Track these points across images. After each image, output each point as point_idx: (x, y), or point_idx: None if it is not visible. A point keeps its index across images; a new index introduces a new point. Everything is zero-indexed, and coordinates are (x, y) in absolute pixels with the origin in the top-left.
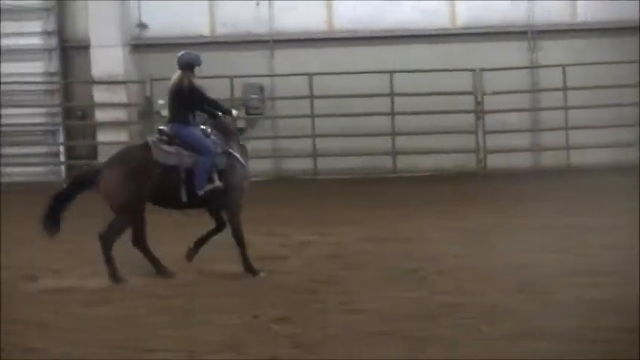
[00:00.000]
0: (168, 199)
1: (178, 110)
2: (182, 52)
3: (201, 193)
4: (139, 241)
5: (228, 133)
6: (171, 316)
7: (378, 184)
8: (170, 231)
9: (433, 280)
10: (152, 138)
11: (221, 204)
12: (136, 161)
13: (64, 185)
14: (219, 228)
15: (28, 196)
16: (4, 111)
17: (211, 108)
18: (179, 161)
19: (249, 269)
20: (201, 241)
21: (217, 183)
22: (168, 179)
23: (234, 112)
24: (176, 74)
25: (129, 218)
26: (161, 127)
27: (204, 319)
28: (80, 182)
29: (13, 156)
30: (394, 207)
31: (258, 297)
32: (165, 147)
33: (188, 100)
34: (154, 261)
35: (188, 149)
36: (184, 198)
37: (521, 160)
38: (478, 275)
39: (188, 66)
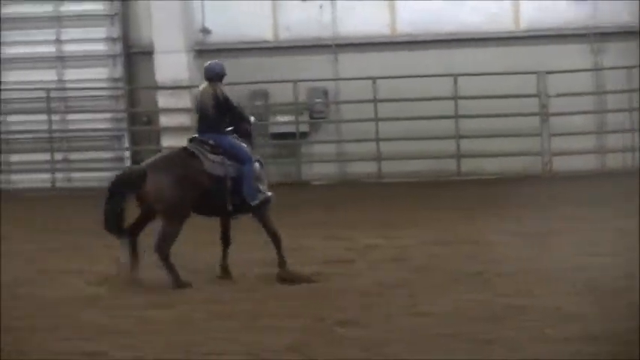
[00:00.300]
0: (213, 208)
1: (214, 120)
2: (210, 63)
3: (256, 203)
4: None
5: (250, 140)
6: (235, 320)
7: (442, 187)
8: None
9: (497, 283)
10: (195, 147)
11: (258, 211)
12: (186, 168)
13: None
14: (227, 242)
15: (94, 201)
16: (70, 116)
17: (238, 117)
18: (225, 171)
19: (284, 265)
20: (224, 264)
21: (268, 193)
22: (216, 189)
23: (252, 118)
24: (206, 84)
25: (178, 223)
26: (199, 137)
27: (268, 323)
28: (123, 184)
29: (79, 161)
30: (459, 210)
31: (324, 300)
32: (212, 156)
33: (224, 110)
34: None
35: (231, 159)
36: (230, 207)
37: (587, 163)
38: (542, 278)
39: (219, 77)
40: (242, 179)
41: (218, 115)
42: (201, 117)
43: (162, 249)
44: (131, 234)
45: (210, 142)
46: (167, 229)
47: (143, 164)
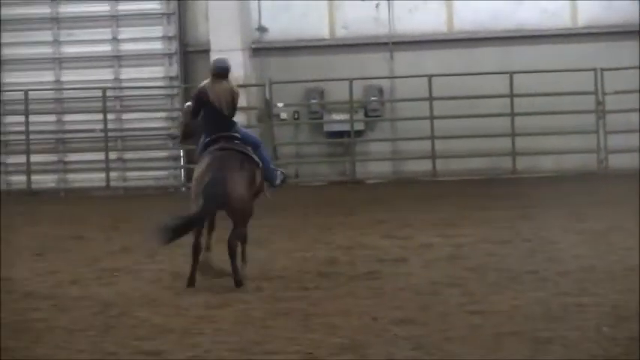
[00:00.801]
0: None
1: (231, 115)
2: (220, 59)
3: (278, 183)
4: (200, 246)
5: None
6: (291, 318)
7: (497, 186)
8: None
9: (554, 281)
10: (235, 144)
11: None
12: (246, 167)
13: (201, 210)
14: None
15: (149, 200)
16: (125, 115)
17: None
18: (257, 160)
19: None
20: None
21: (282, 169)
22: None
23: None
24: (214, 81)
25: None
26: (226, 134)
27: (323, 322)
28: (216, 205)
29: (134, 160)
30: (514, 208)
31: (378, 299)
32: (248, 149)
33: (236, 105)
34: (194, 265)
35: (248, 146)
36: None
37: None
38: (599, 276)
39: (228, 73)
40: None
41: (234, 110)
42: (221, 114)
43: (234, 250)
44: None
45: (237, 135)
46: (243, 230)
47: (214, 175)
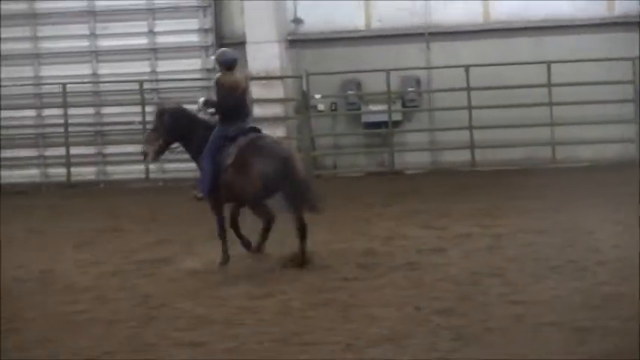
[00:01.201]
0: None
1: (247, 106)
2: (228, 51)
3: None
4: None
5: None
6: (332, 309)
7: (536, 175)
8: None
9: (594, 271)
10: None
11: None
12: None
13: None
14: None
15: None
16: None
17: None
18: None
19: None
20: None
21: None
22: None
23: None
24: (227, 73)
25: None
26: (250, 126)
27: (363, 312)
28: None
29: (173, 152)
30: (553, 198)
31: (419, 289)
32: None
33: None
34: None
35: None
36: None
37: None
38: (637, 266)
39: (235, 63)
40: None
41: (246, 99)
42: (241, 104)
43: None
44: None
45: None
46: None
47: (279, 153)
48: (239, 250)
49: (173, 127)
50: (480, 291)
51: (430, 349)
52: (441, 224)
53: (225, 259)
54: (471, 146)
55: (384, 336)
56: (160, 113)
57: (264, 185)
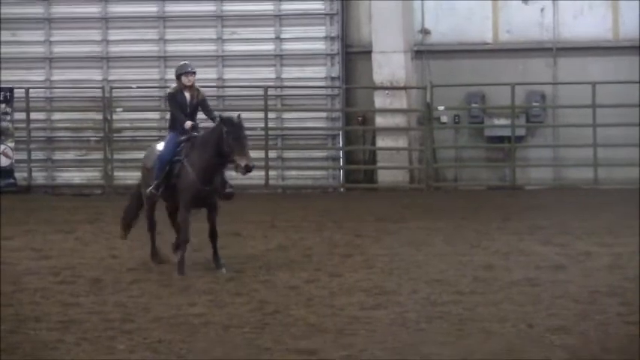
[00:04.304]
0: None
1: None
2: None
3: None
4: None
5: None
6: (446, 322)
7: None
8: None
9: None
10: None
11: None
12: None
13: None
14: None
15: (307, 199)
16: (286, 115)
17: None
18: None
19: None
20: None
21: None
22: None
23: None
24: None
25: None
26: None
27: (478, 327)
28: None
29: (293, 160)
30: None
31: (535, 306)
32: None
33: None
34: None
35: None
36: None
37: None
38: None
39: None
40: None
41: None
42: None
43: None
44: None
45: None
46: None
47: None
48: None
49: None
50: (598, 310)
51: None
52: (562, 241)
53: None
54: (595, 164)
55: (499, 352)
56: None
57: None
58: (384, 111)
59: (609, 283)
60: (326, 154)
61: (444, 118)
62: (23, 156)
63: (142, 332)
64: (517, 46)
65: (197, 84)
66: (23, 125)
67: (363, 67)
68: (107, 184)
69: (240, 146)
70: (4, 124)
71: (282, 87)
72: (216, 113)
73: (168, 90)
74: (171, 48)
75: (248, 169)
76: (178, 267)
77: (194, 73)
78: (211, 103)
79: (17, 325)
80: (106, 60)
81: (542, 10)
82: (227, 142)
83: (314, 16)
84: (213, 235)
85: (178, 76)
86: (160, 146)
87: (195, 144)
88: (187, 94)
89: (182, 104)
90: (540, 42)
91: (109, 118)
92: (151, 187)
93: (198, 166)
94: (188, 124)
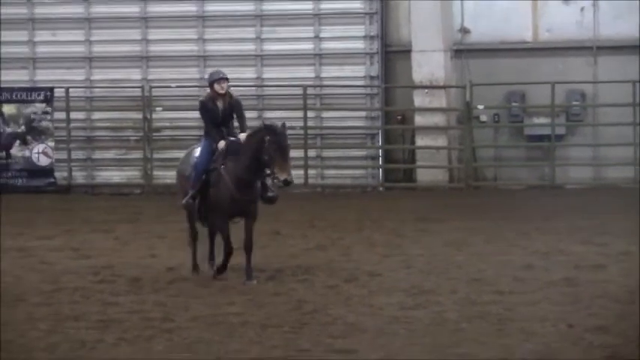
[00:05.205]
0: None
1: None
2: (218, 69)
3: None
4: None
5: None
6: (485, 322)
7: None
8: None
9: None
10: None
11: None
12: None
13: None
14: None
15: (346, 198)
16: (325, 114)
17: None
18: None
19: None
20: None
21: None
22: None
23: None
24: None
25: None
26: None
27: (518, 327)
28: None
29: (333, 159)
30: None
31: (575, 306)
32: None
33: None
34: None
35: None
36: None
37: None
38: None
39: None
40: None
41: None
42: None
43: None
44: None
45: None
46: None
47: None
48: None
49: None
50: (637, 310)
51: None
52: (601, 241)
53: None
54: (635, 163)
55: (539, 352)
56: None
57: None
58: (424, 110)
59: None
60: (365, 153)
61: (483, 117)
62: (63, 155)
63: (180, 331)
64: (557, 44)
65: (236, 83)
66: (63, 125)
67: (403, 66)
68: (146, 184)
69: (281, 158)
70: (44, 123)
71: (321, 86)
72: (247, 120)
73: (200, 98)
74: (211, 47)
75: (287, 183)
76: (218, 271)
77: (227, 79)
78: (250, 103)
79: (56, 325)
80: (145, 59)
81: (582, 9)
82: (268, 151)
83: (353, 15)
84: (248, 247)
85: (211, 84)
86: (196, 153)
87: (232, 150)
88: (220, 102)
89: (213, 114)
90: (580, 41)
91: (148, 117)
92: (187, 197)
93: (235, 174)
94: (221, 144)
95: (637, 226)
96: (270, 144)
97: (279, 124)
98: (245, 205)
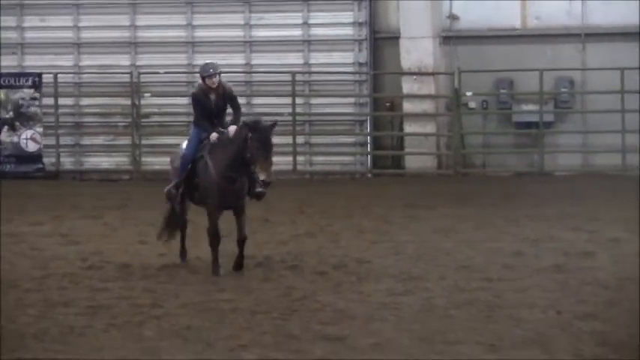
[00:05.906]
0: None
1: None
2: (209, 62)
3: None
4: None
5: None
6: (474, 309)
7: None
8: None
9: None
10: None
11: None
12: None
13: None
14: None
15: (335, 184)
16: (314, 100)
17: None
18: None
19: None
20: None
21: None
22: None
23: None
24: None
25: None
26: None
27: (507, 314)
28: None
29: (321, 145)
30: None
31: (564, 292)
32: None
33: None
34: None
35: None
36: None
37: None
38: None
39: None
40: None
41: None
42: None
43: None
44: None
45: None
46: None
47: None
48: (391, 249)
49: None
50: (626, 297)
51: (575, 354)
52: (590, 227)
53: None
54: (623, 150)
55: (528, 338)
56: None
57: None
58: (412, 97)
59: (637, 270)
60: (354, 139)
61: (472, 104)
62: (51, 141)
63: (170, 318)
64: (546, 32)
65: (224, 70)
66: (51, 110)
67: (391, 52)
68: (135, 170)
69: (262, 156)
70: (32, 109)
71: (309, 72)
72: (243, 113)
73: (192, 90)
74: (199, 33)
75: (265, 184)
76: (213, 267)
77: (219, 74)
78: (239, 89)
79: (45, 311)
80: (134, 45)
81: None
82: (250, 148)
83: (342, 1)
84: (241, 242)
85: (202, 78)
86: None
87: (220, 140)
88: (212, 95)
89: (205, 106)
90: (569, 28)
91: (136, 103)
92: (169, 186)
93: (221, 163)
94: (214, 136)
95: (626, 213)
96: (253, 142)
97: (265, 121)
98: (233, 195)
